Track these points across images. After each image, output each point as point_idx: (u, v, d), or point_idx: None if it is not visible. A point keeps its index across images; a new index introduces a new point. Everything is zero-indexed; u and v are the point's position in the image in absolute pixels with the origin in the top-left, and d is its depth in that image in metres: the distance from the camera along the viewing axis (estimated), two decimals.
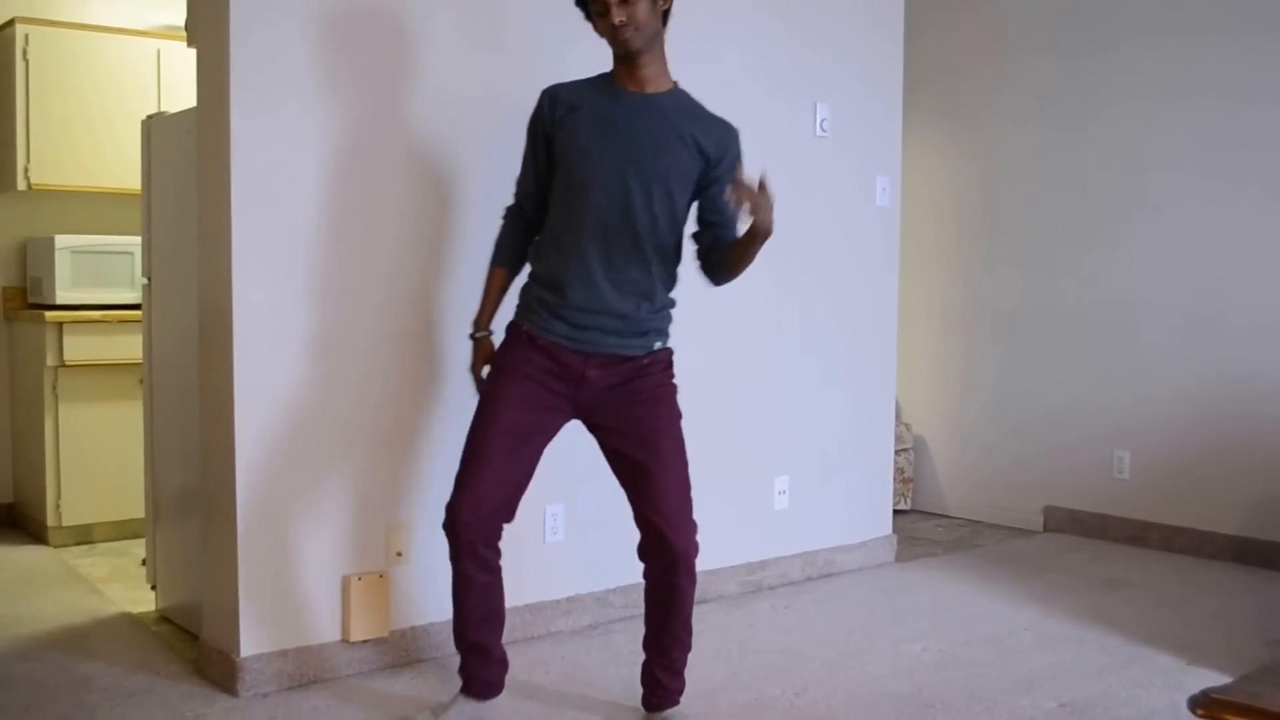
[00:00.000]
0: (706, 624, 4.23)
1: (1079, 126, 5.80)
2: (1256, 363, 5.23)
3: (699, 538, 3.18)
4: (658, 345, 3.19)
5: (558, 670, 3.75)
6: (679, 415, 3.22)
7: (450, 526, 3.11)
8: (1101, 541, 5.70)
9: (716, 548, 4.57)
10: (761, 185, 2.89)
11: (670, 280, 3.21)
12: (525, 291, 3.23)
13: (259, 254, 3.44)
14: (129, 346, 5.16)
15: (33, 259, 5.56)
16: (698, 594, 4.49)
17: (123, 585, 4.64)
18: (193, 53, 3.67)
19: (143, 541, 4.58)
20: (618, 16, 2.98)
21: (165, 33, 5.69)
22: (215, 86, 3.47)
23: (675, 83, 3.18)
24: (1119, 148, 5.66)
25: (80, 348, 5.24)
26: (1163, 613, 4.51)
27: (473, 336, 3.30)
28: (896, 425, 5.52)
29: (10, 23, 5.42)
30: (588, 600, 4.21)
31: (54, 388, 5.24)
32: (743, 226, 3.05)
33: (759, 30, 4.61)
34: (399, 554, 3.73)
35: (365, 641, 3.67)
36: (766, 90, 4.64)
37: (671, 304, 3.24)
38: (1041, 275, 5.97)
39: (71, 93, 5.47)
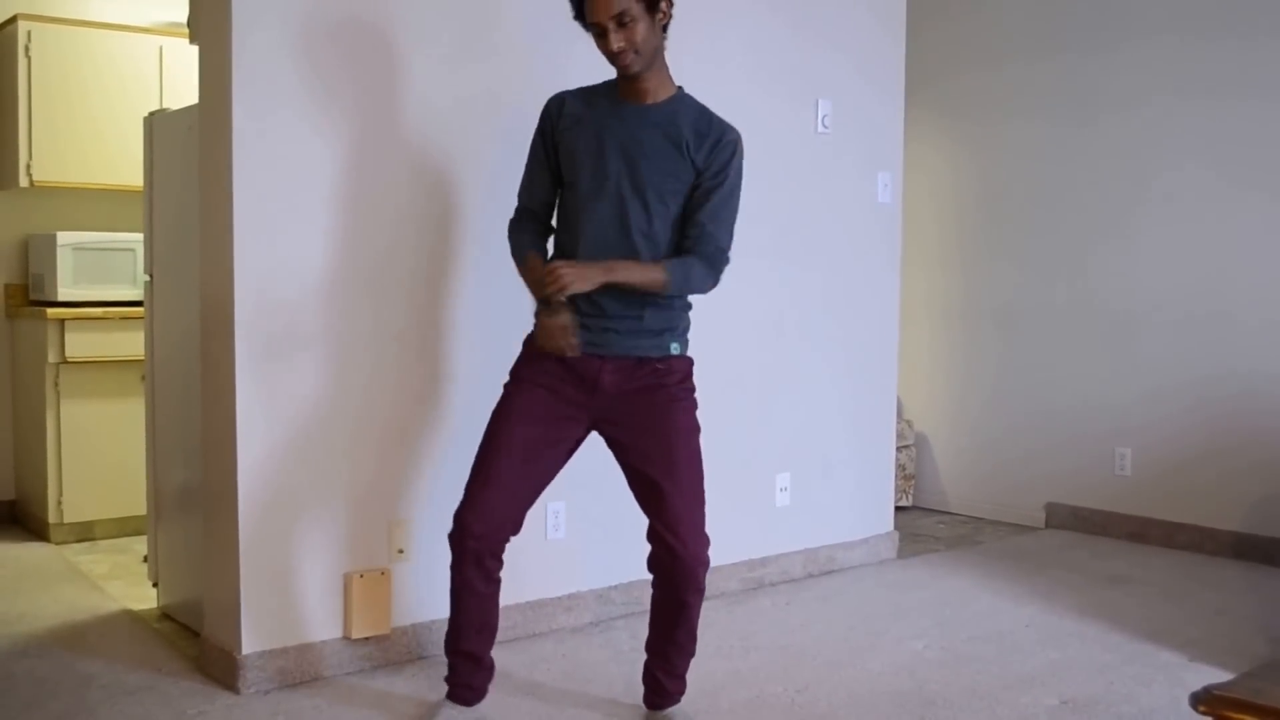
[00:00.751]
0: (708, 621, 4.21)
1: (1080, 124, 5.79)
2: (1258, 359, 5.23)
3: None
4: (674, 349, 3.15)
5: (559, 667, 3.75)
6: (696, 429, 3.18)
7: (459, 536, 3.09)
8: (1103, 538, 5.70)
9: (718, 545, 4.50)
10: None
11: None
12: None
13: (261, 251, 3.44)
14: (131, 343, 5.16)
15: (35, 256, 5.56)
16: None
17: (124, 582, 4.64)
18: (195, 49, 3.67)
19: (144, 538, 4.58)
20: (616, 43, 2.96)
21: (167, 29, 5.69)
22: (217, 83, 3.47)
23: (679, 88, 3.16)
24: (1121, 144, 5.65)
25: (82, 344, 5.24)
26: (1164, 609, 4.51)
27: (543, 306, 3.06)
28: (898, 422, 5.52)
29: (12, 19, 5.42)
30: (589, 597, 4.21)
31: (56, 384, 5.25)
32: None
33: (761, 27, 4.61)
34: (400, 551, 3.73)
35: (366, 639, 3.67)
36: (768, 87, 4.63)
37: (686, 305, 3.21)
38: (1043, 272, 5.96)
39: (74, 89, 5.47)
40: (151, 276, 4.33)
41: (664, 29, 3.05)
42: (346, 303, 3.60)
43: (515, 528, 3.15)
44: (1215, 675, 3.59)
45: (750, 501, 4.70)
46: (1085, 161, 5.78)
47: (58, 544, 5.27)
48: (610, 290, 3.03)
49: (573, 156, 3.11)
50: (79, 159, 5.48)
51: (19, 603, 4.36)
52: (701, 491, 3.16)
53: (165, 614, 4.22)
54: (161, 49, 5.63)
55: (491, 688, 3.32)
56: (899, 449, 5.91)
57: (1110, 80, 5.68)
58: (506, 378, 3.20)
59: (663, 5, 3.00)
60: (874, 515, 5.21)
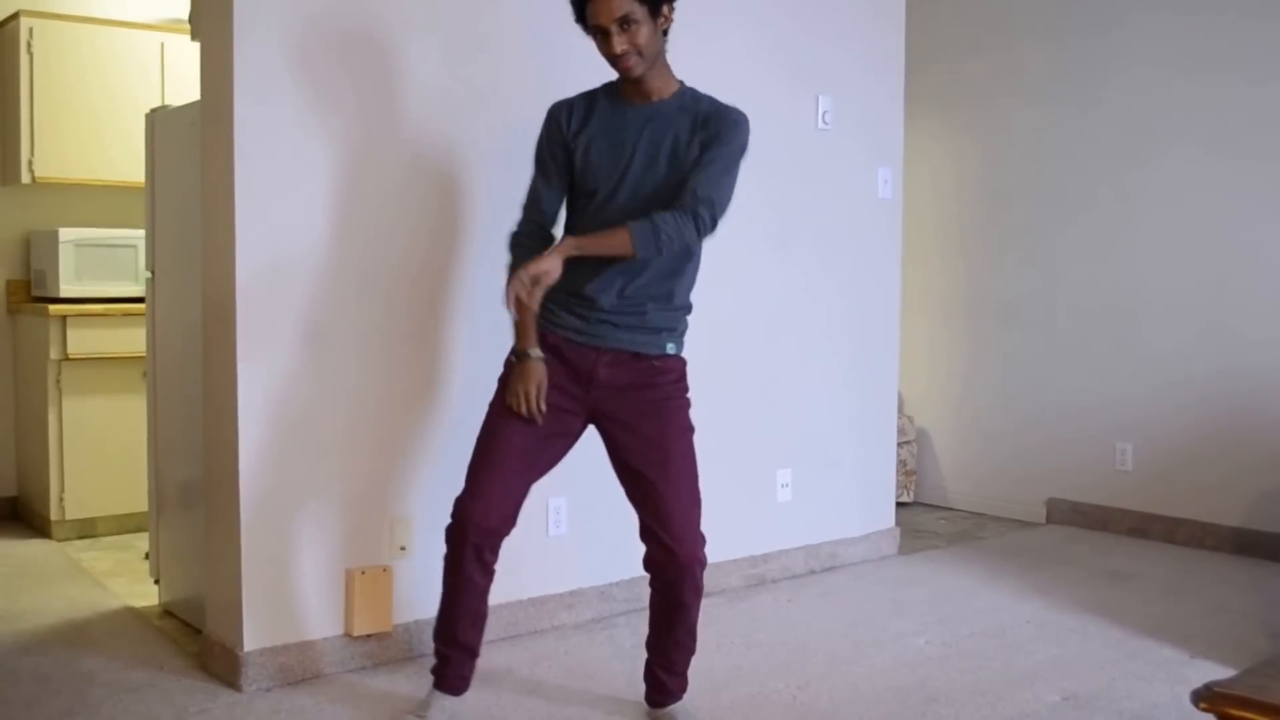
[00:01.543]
0: (710, 617, 4.22)
1: (1081, 117, 5.78)
2: (1260, 355, 5.22)
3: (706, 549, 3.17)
4: (670, 348, 3.15)
5: (560, 664, 3.75)
6: (690, 429, 3.18)
7: (462, 529, 3.08)
8: (1104, 534, 5.70)
9: (720, 541, 4.53)
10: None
11: (689, 279, 3.18)
12: None
13: (263, 248, 3.44)
14: (132, 340, 5.16)
15: (36, 252, 5.56)
16: None
17: (126, 579, 4.65)
18: (197, 46, 3.68)
19: (146, 535, 4.59)
20: (619, 45, 2.94)
21: (169, 26, 5.68)
22: (219, 79, 3.47)
23: (681, 83, 3.14)
24: (1122, 139, 5.64)
25: (84, 341, 5.24)
26: (1166, 605, 4.51)
27: (524, 354, 3.06)
28: (899, 418, 5.52)
29: (14, 16, 5.42)
30: (590, 594, 4.22)
31: (57, 381, 5.25)
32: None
33: (762, 23, 4.60)
34: (402, 548, 3.73)
35: (368, 636, 3.67)
36: (769, 83, 4.63)
37: (688, 307, 3.21)
38: (1044, 267, 5.96)
39: (76, 86, 5.47)
40: (153, 273, 4.33)
41: (664, 33, 3.02)
42: (348, 299, 3.60)
43: (514, 521, 3.15)
44: (1216, 671, 3.59)
45: (752, 497, 4.70)
46: (1086, 157, 5.77)
47: (59, 541, 5.27)
48: (631, 289, 3.04)
49: (588, 163, 3.08)
50: (81, 155, 5.48)
51: (21, 600, 4.37)
52: (697, 491, 3.16)
53: (167, 611, 4.22)
54: (163, 45, 5.63)
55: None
56: (900, 445, 5.91)
57: (1111, 70, 5.66)
58: (503, 370, 3.21)
59: (665, 9, 2.98)
60: (875, 511, 5.22)
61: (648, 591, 3.26)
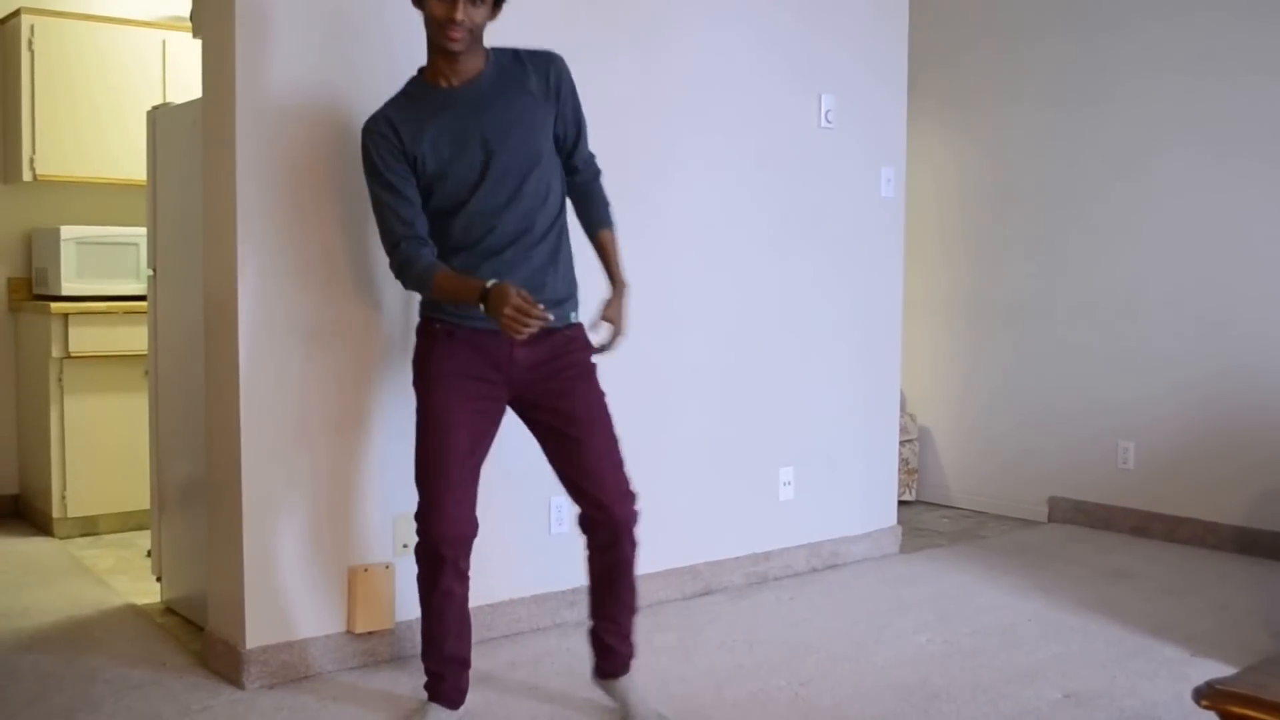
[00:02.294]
0: (712, 615, 4.24)
1: (1083, 117, 5.78)
2: (1262, 354, 5.22)
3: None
4: (573, 316, 3.18)
5: (562, 661, 3.75)
6: (604, 392, 3.21)
7: (433, 547, 3.08)
8: (1106, 532, 5.70)
9: (721, 539, 4.58)
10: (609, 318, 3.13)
11: (566, 236, 3.18)
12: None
13: (264, 245, 3.44)
14: (134, 338, 5.17)
15: (38, 250, 5.57)
16: (703, 585, 4.52)
17: (128, 577, 4.65)
18: (198, 43, 3.67)
19: (148, 533, 4.59)
20: (460, 13, 2.88)
21: (171, 23, 5.69)
22: (221, 77, 3.47)
23: (489, 51, 3.06)
24: (1125, 139, 5.64)
25: (85, 339, 5.24)
26: (1167, 604, 4.51)
27: (486, 295, 2.91)
28: (901, 416, 5.52)
29: (16, 13, 5.42)
30: None
31: (59, 379, 5.25)
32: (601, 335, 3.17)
33: (765, 21, 4.60)
34: (405, 545, 3.72)
35: (370, 634, 3.68)
36: (772, 82, 4.63)
37: (572, 266, 3.20)
38: (1046, 266, 5.96)
39: (77, 84, 5.47)
40: (155, 271, 4.33)
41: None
42: (349, 296, 3.60)
43: (477, 522, 3.14)
44: (1218, 670, 3.59)
45: (754, 496, 4.70)
46: (1088, 156, 5.77)
47: (62, 539, 5.27)
48: (519, 262, 3.03)
49: (441, 163, 3.00)
50: (82, 153, 5.49)
51: (23, 597, 4.37)
52: (620, 450, 3.18)
53: (169, 608, 4.22)
54: (165, 43, 5.63)
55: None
56: (902, 443, 5.91)
57: (1113, 71, 5.66)
58: (414, 371, 3.17)
59: (502, 5, 2.99)
60: (877, 509, 5.22)
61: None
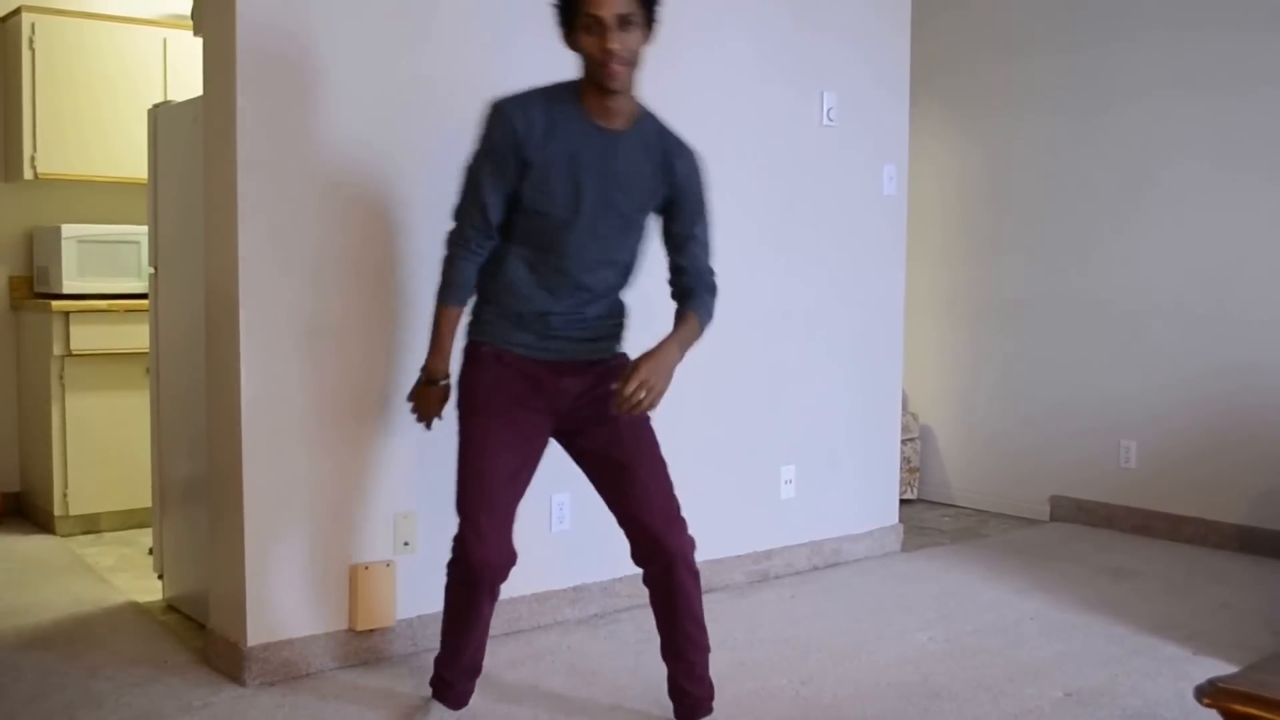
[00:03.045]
0: (713, 614, 4.22)
1: (1086, 117, 5.78)
2: (1264, 353, 5.22)
3: (695, 530, 3.16)
4: (618, 348, 3.19)
5: (563, 660, 3.75)
6: (649, 419, 3.17)
7: (475, 570, 3.02)
8: (1108, 531, 5.69)
9: (723, 537, 4.58)
10: (630, 378, 2.89)
11: (628, 288, 3.19)
12: (480, 308, 3.09)
13: (265, 243, 3.44)
14: (135, 336, 5.17)
15: (39, 248, 5.57)
16: (704, 583, 4.50)
17: (129, 574, 4.65)
18: (199, 41, 3.67)
19: (149, 531, 4.59)
20: (614, 43, 2.76)
21: (172, 21, 5.69)
22: (222, 75, 3.46)
23: (640, 106, 3.01)
24: (1127, 138, 5.64)
25: (87, 337, 5.24)
26: (1169, 602, 4.51)
27: (430, 383, 3.13)
28: (903, 415, 5.52)
29: (16, 11, 5.42)
30: (594, 589, 4.22)
31: (61, 377, 5.25)
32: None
33: (766, 20, 4.60)
34: (406, 543, 3.73)
35: (371, 631, 3.68)
36: (774, 80, 4.63)
37: (627, 310, 3.21)
38: (1049, 265, 5.96)
39: (78, 82, 5.47)
40: (156, 269, 4.33)
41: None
42: (351, 294, 3.60)
43: (515, 556, 3.09)
44: (1220, 668, 3.59)
45: (755, 494, 4.70)
46: (1091, 154, 5.77)
47: (63, 536, 5.28)
48: (585, 305, 3.05)
49: (546, 183, 2.91)
50: (83, 151, 5.48)
51: (25, 595, 4.37)
52: (669, 475, 3.15)
53: (170, 606, 4.22)
54: (165, 41, 5.63)
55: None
56: (904, 442, 5.91)
57: (1116, 74, 5.67)
58: (459, 394, 3.12)
59: (655, 26, 2.89)
60: (879, 508, 5.22)
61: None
